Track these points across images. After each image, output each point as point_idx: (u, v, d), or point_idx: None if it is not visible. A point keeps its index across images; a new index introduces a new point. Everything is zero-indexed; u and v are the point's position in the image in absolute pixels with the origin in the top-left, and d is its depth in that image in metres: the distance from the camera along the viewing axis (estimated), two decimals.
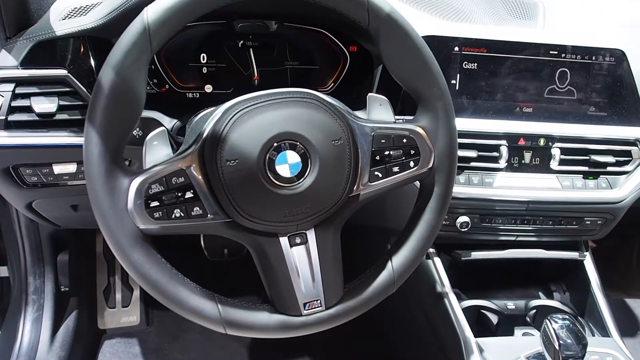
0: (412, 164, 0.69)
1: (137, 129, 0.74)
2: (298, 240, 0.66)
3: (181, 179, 0.60)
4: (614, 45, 0.98)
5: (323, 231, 0.67)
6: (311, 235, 0.66)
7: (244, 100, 0.62)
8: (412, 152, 0.68)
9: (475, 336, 0.94)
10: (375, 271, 0.71)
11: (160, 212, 0.59)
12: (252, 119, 0.61)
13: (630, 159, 1.00)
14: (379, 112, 0.71)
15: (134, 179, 0.59)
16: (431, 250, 1.04)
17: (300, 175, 0.62)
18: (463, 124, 0.92)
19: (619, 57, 0.98)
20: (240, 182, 0.60)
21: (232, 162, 0.59)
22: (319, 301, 0.67)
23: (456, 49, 0.92)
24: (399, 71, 0.69)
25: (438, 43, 0.91)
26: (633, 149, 1.00)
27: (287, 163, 0.61)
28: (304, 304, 0.67)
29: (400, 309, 1.18)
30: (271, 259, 0.66)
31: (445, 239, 1.02)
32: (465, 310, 0.99)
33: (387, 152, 0.67)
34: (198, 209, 0.61)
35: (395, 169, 0.68)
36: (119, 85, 0.56)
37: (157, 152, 0.62)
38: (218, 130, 0.60)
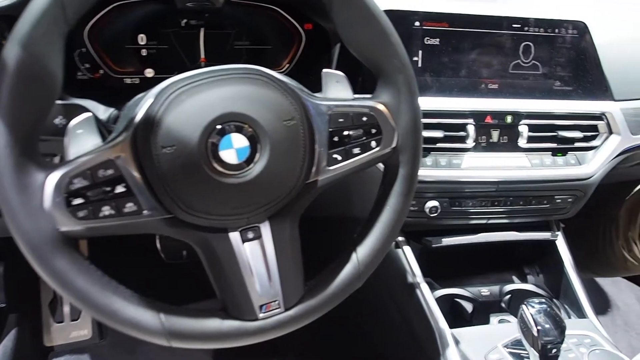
0: (373, 144, 0.62)
1: (61, 117, 0.65)
2: (251, 235, 0.59)
3: (110, 171, 0.52)
4: (576, 17, 0.94)
5: (279, 223, 0.60)
6: (265, 228, 0.59)
7: (182, 79, 0.55)
8: (374, 131, 0.62)
9: (451, 327, 0.90)
10: (338, 265, 0.65)
11: (85, 211, 0.51)
12: (191, 99, 0.53)
13: (597, 133, 0.97)
14: (336, 90, 0.65)
15: (51, 172, 0.50)
16: (400, 238, 0.99)
17: (249, 161, 0.54)
18: (428, 102, 0.87)
19: (582, 29, 0.94)
20: (179, 172, 0.52)
21: (169, 148, 0.52)
22: (277, 302, 0.60)
23: (417, 23, 0.87)
24: (355, 42, 0.63)
25: (397, 18, 0.85)
26: (599, 123, 0.97)
27: (233, 147, 0.53)
28: (260, 306, 0.60)
29: (371, 302, 1.12)
30: (220, 258, 0.58)
31: (414, 226, 0.98)
32: (439, 300, 0.95)
33: (346, 133, 0.61)
34: (132, 204, 0.53)
35: (356, 150, 0.62)
36: (28, 62, 0.48)
37: (82, 142, 0.53)
38: (152, 113, 0.52)
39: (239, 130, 0.54)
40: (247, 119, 0.54)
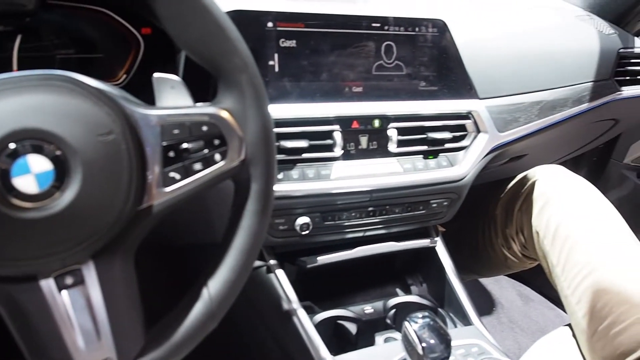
0: (218, 157, 0.53)
1: None
2: (69, 281, 0.46)
3: None
4: (435, 15, 0.92)
5: (106, 262, 0.48)
6: (89, 270, 0.47)
7: None
8: (217, 142, 0.53)
9: (335, 352, 0.82)
10: (187, 303, 0.54)
11: None
12: None
13: (466, 133, 0.96)
14: (171, 97, 0.55)
15: None
16: (272, 261, 0.90)
17: (55, 188, 0.43)
18: (289, 110, 0.80)
19: (441, 27, 0.92)
20: None
21: None
22: None
23: (270, 24, 0.79)
24: (186, 38, 0.53)
25: (248, 19, 0.77)
26: (467, 122, 0.95)
27: (31, 173, 0.42)
28: None
29: (248, 335, 1.02)
30: (30, 314, 0.45)
31: (286, 247, 0.89)
32: (320, 325, 0.87)
33: (184, 146, 0.51)
34: None
35: (197, 166, 0.52)
36: None
37: None
38: None
39: (37, 150, 0.42)
40: (48, 135, 0.43)
